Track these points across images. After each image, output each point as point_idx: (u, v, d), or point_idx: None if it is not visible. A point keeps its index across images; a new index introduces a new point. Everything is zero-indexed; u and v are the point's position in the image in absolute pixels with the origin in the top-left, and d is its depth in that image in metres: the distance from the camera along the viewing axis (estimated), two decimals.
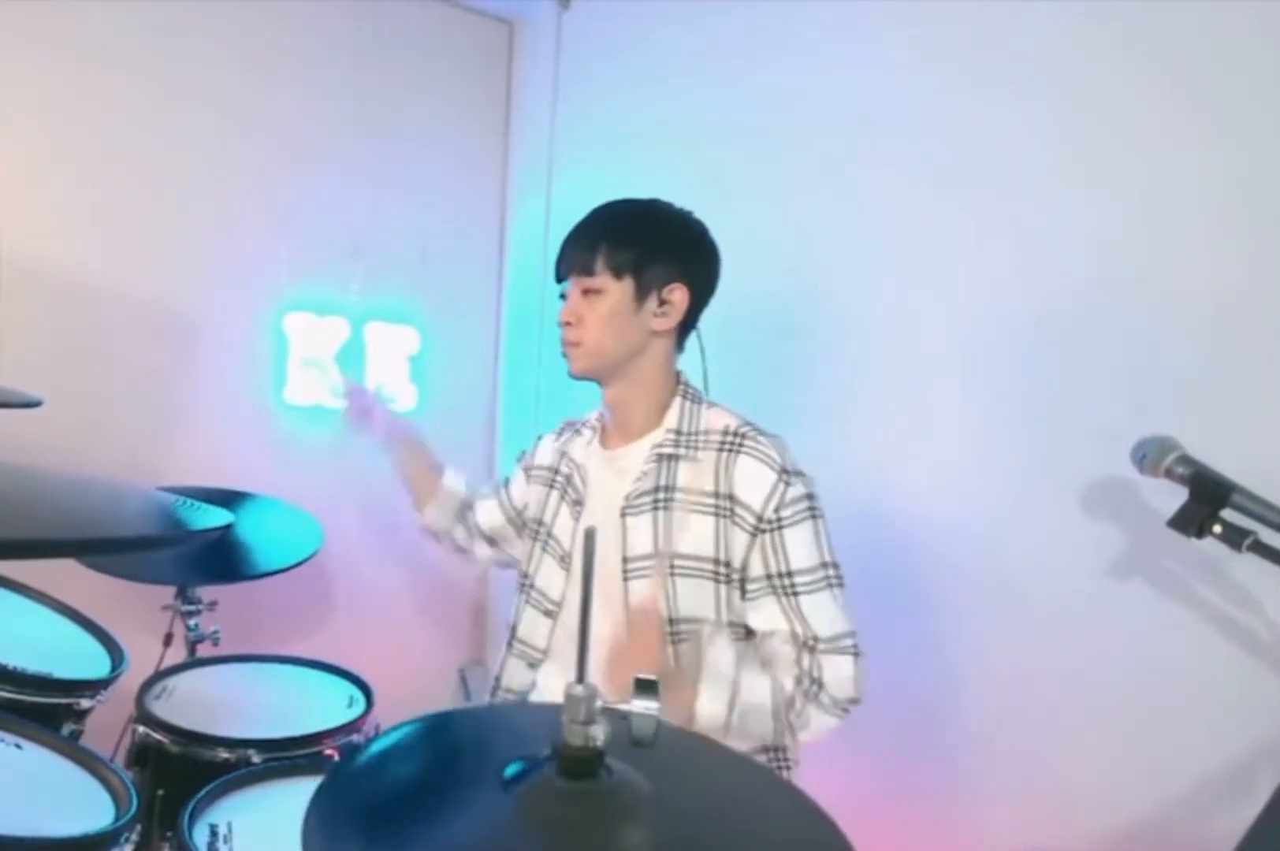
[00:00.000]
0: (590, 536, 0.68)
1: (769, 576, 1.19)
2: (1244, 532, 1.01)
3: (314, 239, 2.39)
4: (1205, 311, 1.35)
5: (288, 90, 2.35)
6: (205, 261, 2.24)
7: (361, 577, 2.51)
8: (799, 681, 1.16)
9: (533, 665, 1.34)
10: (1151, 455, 1.10)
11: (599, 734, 0.65)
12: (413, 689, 2.13)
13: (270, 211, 2.33)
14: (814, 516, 1.20)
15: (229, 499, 2.00)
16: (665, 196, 1.31)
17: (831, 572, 1.20)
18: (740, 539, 1.19)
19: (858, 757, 1.71)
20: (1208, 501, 1.03)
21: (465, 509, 1.59)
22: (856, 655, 1.19)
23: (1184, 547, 1.20)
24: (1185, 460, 1.08)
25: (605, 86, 2.47)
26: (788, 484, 1.18)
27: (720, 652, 1.17)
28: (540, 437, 1.51)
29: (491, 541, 1.58)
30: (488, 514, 1.56)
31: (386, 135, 2.50)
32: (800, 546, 1.18)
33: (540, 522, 1.40)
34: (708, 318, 1.32)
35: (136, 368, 2.17)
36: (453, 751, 0.76)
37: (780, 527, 1.18)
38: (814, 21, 1.90)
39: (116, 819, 1.05)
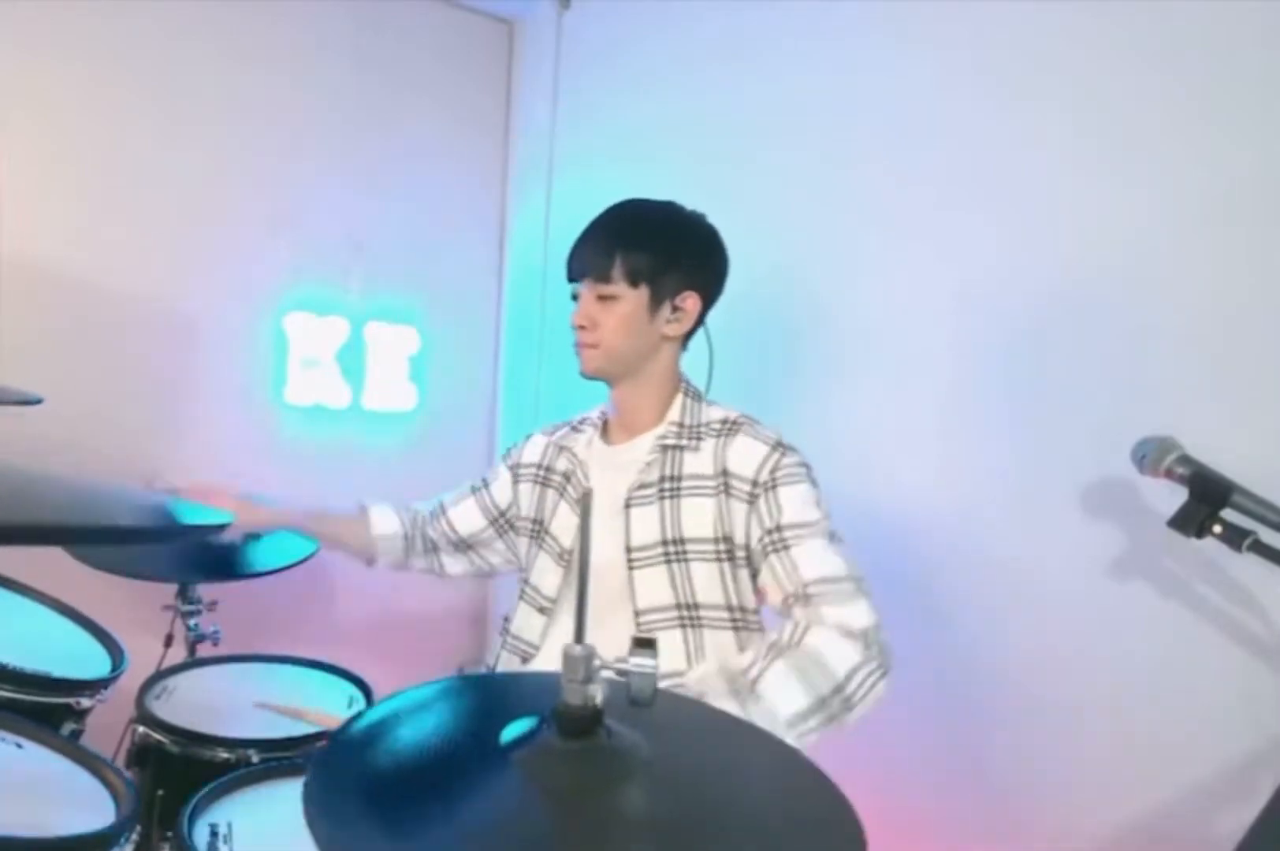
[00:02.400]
0: (587, 496, 0.68)
1: (764, 535, 1.19)
2: (1244, 532, 1.01)
3: (314, 239, 2.38)
4: (1205, 311, 1.35)
5: (288, 90, 2.34)
6: (205, 261, 2.24)
7: (361, 577, 2.47)
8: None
9: (526, 660, 1.34)
10: (1151, 455, 1.10)
11: (598, 693, 0.65)
12: None
13: (270, 211, 2.32)
14: (810, 480, 1.22)
15: None
16: (664, 195, 1.31)
17: (825, 526, 1.18)
18: (740, 511, 1.21)
19: (855, 755, 1.70)
20: (1208, 501, 1.04)
21: (412, 541, 1.53)
22: (867, 595, 1.13)
23: (1184, 547, 1.20)
24: (1185, 460, 1.08)
25: (605, 86, 2.47)
26: (782, 454, 1.21)
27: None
28: (530, 436, 1.49)
29: (466, 547, 1.52)
30: (466, 518, 1.50)
31: (386, 135, 2.50)
32: (794, 503, 1.18)
33: (537, 521, 1.40)
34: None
35: (136, 367, 2.17)
36: (450, 717, 0.76)
37: (775, 486, 1.19)
38: (813, 23, 1.90)
39: (116, 819, 1.05)
